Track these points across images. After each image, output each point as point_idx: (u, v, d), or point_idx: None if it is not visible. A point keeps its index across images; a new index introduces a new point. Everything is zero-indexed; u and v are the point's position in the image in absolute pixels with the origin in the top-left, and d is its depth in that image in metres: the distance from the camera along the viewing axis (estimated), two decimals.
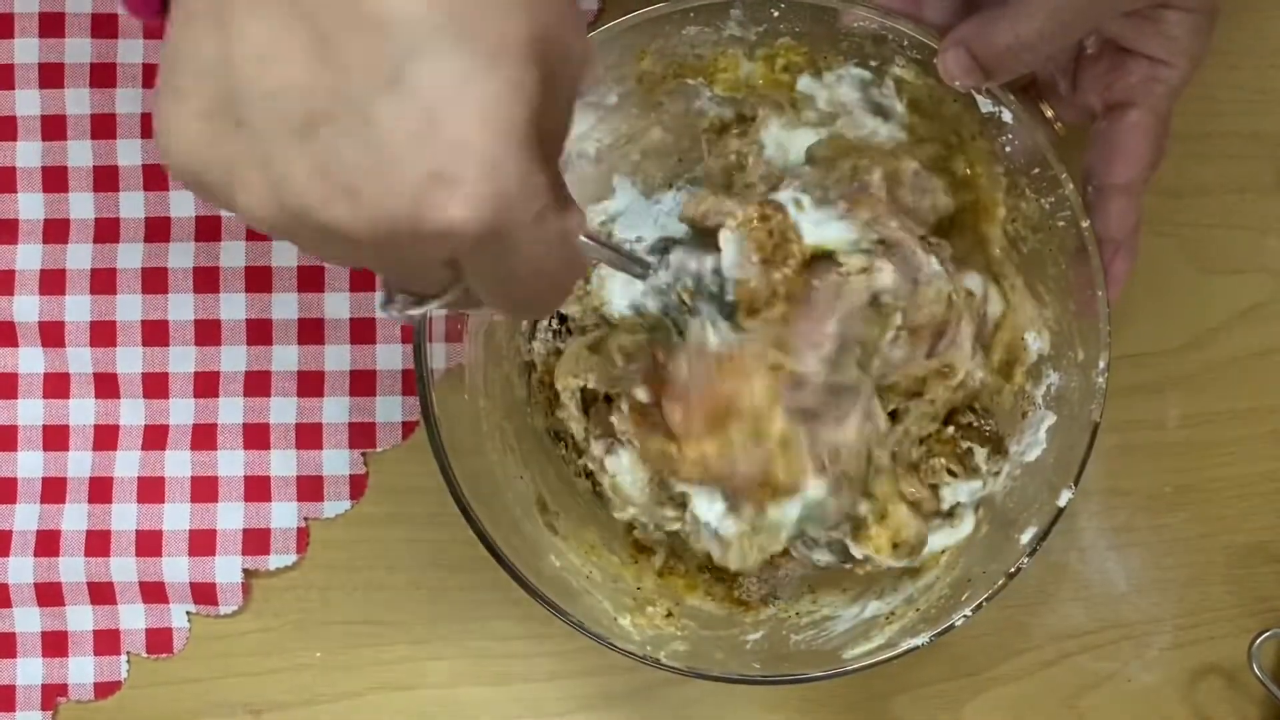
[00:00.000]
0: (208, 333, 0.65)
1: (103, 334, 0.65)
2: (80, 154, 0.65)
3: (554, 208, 0.38)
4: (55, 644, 0.65)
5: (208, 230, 0.66)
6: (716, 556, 0.58)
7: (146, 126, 0.65)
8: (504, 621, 0.66)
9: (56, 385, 0.66)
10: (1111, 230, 0.56)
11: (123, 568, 0.65)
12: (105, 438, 0.66)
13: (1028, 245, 0.59)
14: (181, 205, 0.66)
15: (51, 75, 0.65)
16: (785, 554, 0.60)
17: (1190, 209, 0.66)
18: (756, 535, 0.57)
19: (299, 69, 0.34)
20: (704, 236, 0.55)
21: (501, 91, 0.34)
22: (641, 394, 0.56)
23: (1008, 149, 0.57)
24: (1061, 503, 0.55)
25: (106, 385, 0.66)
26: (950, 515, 0.59)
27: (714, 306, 0.54)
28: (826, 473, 0.54)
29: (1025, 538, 0.56)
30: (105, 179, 0.65)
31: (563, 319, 0.63)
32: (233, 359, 0.65)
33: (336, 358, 0.66)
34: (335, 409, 0.65)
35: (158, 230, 0.66)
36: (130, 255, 0.65)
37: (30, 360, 0.66)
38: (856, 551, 0.58)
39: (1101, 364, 0.55)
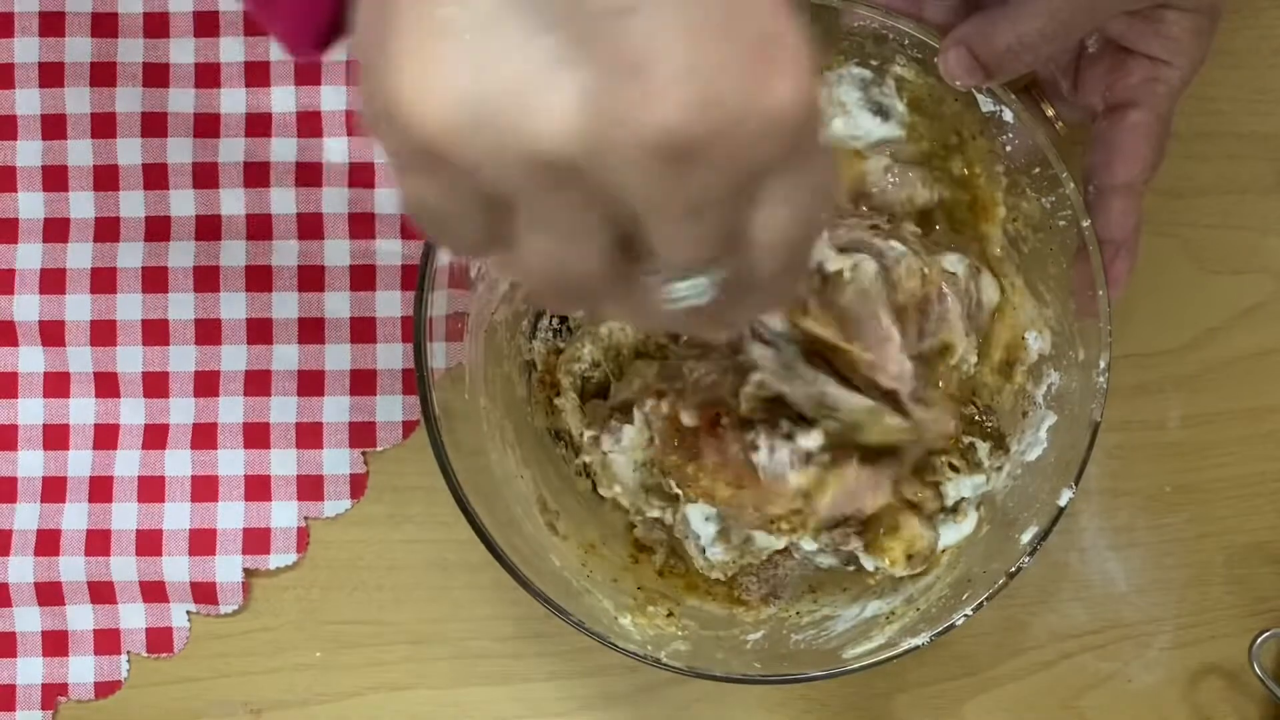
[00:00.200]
0: (208, 332, 0.65)
1: (103, 333, 0.65)
2: (80, 153, 0.65)
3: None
4: (55, 643, 0.65)
5: (208, 229, 0.66)
6: (697, 565, 0.59)
7: (147, 126, 0.65)
8: (504, 621, 0.66)
9: (57, 384, 0.66)
10: (1112, 231, 0.56)
11: (123, 567, 0.65)
12: (105, 437, 0.66)
13: (1028, 245, 0.59)
14: (182, 204, 0.66)
15: (52, 74, 0.65)
16: (785, 553, 0.61)
17: (1190, 209, 0.66)
18: (742, 558, 0.58)
19: None
20: None
21: None
22: (689, 418, 0.55)
23: (1008, 148, 0.57)
24: (1062, 502, 0.55)
25: (107, 384, 0.66)
26: (955, 511, 0.59)
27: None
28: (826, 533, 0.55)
29: (1026, 537, 0.56)
30: (105, 178, 0.65)
31: (563, 319, 0.63)
32: (233, 358, 0.65)
33: (337, 357, 0.65)
34: (335, 408, 0.65)
35: (158, 229, 0.66)
36: (130, 254, 0.65)
37: (30, 359, 0.66)
38: (868, 563, 0.58)
39: (1102, 364, 0.56)
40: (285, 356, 0.65)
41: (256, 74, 0.66)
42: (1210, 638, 0.66)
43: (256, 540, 0.65)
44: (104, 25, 0.65)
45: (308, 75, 0.66)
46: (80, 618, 0.65)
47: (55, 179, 0.65)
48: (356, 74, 0.34)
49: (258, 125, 0.66)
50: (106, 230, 0.65)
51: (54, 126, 0.65)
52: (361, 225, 0.66)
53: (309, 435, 0.65)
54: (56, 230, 0.65)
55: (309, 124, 0.66)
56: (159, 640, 0.65)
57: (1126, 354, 0.64)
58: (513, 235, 0.34)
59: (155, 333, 0.65)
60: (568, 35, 0.31)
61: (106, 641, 0.65)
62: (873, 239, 0.55)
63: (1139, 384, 0.66)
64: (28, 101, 0.65)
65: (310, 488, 0.65)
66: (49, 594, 0.65)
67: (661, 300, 0.35)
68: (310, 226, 0.66)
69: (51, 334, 0.65)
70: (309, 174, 0.66)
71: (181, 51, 0.66)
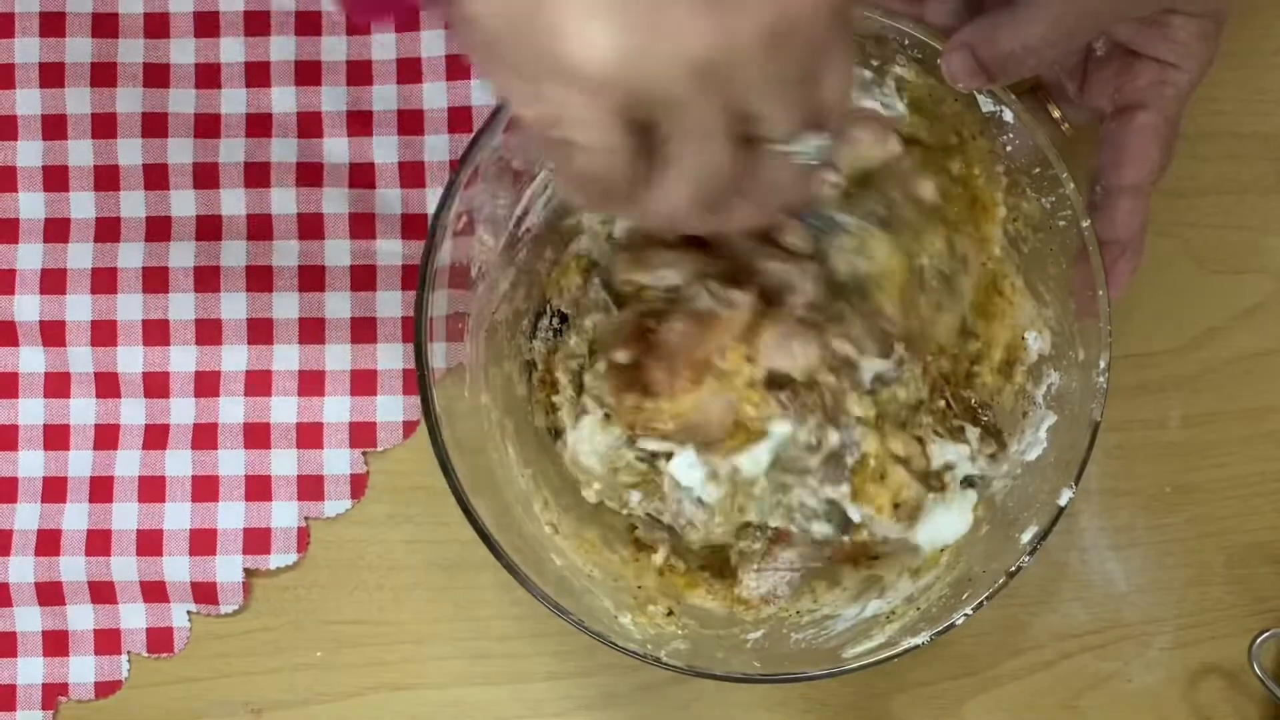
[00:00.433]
0: (208, 332, 0.65)
1: (103, 333, 0.65)
2: (81, 153, 0.65)
3: None
4: (56, 643, 0.65)
5: (208, 229, 0.66)
6: (700, 533, 0.58)
7: (147, 126, 0.66)
8: (504, 621, 0.66)
9: (57, 384, 0.66)
10: (1118, 231, 0.56)
11: (123, 567, 0.65)
12: (106, 437, 0.66)
13: (1028, 245, 0.59)
14: (182, 205, 0.66)
15: (52, 75, 0.65)
16: (784, 537, 0.60)
17: (1191, 209, 0.67)
18: (736, 496, 0.57)
19: None
20: None
21: None
22: (622, 355, 0.56)
23: (1008, 148, 0.57)
24: (1062, 502, 0.55)
25: (107, 384, 0.66)
26: (942, 484, 0.58)
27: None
28: (789, 409, 0.55)
29: (1026, 537, 0.56)
30: (106, 178, 0.66)
31: (564, 318, 0.63)
32: (233, 358, 0.65)
33: (337, 357, 0.66)
34: (336, 408, 0.65)
35: (158, 229, 0.66)
36: (131, 254, 0.65)
37: (31, 359, 0.66)
38: (855, 514, 0.57)
39: (1102, 364, 0.56)
40: (286, 356, 0.66)
41: (257, 74, 0.66)
42: (1210, 638, 0.66)
43: (257, 540, 0.65)
44: (104, 26, 0.66)
45: (308, 75, 0.66)
46: (81, 618, 0.65)
47: (56, 179, 0.66)
48: (487, 51, 0.39)
49: (258, 125, 0.66)
50: (107, 230, 0.66)
51: (55, 127, 0.65)
52: (362, 225, 0.66)
53: (309, 435, 0.65)
54: (57, 230, 0.66)
55: (309, 124, 0.66)
56: (159, 640, 0.65)
57: (1126, 354, 0.64)
58: (653, 166, 0.41)
59: (156, 333, 0.65)
60: None
61: (107, 641, 0.65)
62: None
63: (1139, 384, 0.66)
64: (28, 102, 0.65)
65: (311, 488, 0.65)
66: (49, 594, 0.65)
67: (786, 166, 0.43)
68: (311, 226, 0.66)
69: (52, 334, 0.65)
70: (309, 174, 0.66)
71: (182, 52, 0.66)
